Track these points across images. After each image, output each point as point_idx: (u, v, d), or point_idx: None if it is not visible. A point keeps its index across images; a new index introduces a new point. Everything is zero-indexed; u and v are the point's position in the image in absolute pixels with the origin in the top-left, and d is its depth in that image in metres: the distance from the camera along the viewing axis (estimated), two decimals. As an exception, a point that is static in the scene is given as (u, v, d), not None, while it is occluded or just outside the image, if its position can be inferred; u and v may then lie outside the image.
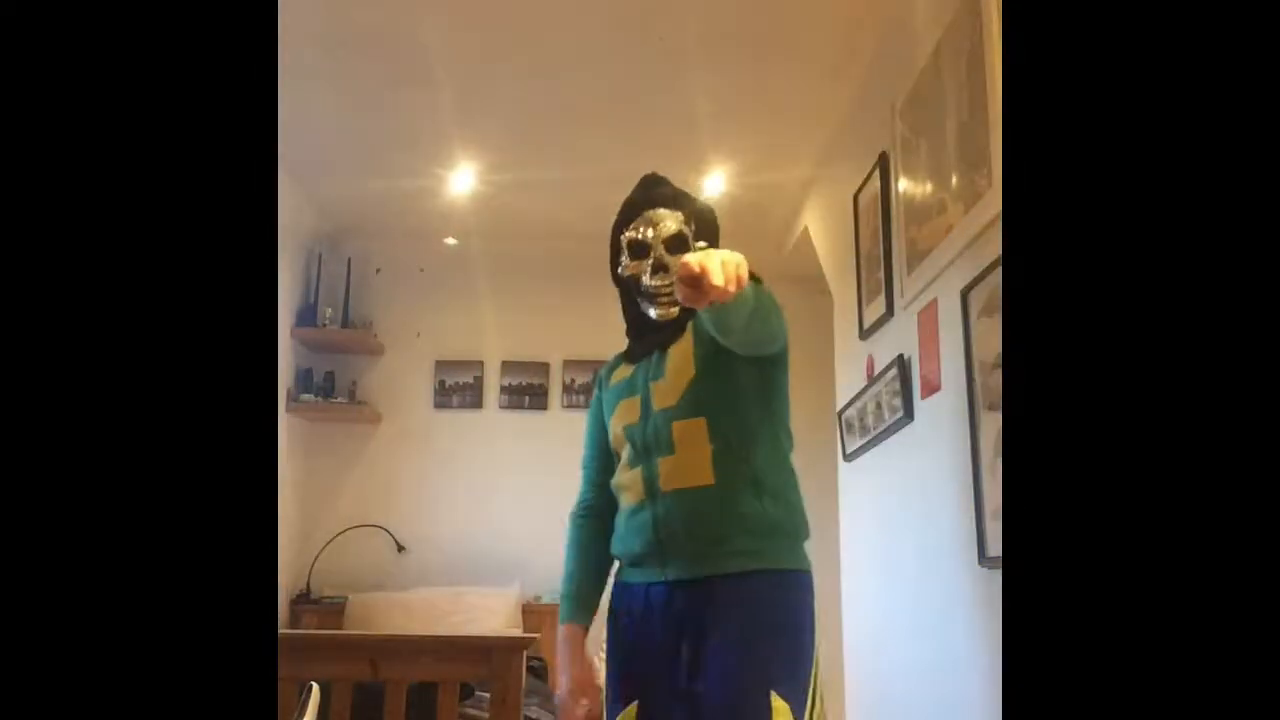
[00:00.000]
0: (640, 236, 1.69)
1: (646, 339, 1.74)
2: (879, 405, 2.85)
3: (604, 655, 1.69)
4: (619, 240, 1.74)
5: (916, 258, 2.56)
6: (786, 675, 1.48)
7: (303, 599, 4.34)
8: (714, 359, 1.62)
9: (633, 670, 1.59)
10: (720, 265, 1.25)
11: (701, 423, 1.60)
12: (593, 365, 4.59)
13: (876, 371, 2.93)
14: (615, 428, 1.70)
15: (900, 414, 2.66)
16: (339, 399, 4.53)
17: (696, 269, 1.23)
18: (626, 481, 1.66)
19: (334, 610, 4.20)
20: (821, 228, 3.84)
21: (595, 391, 1.85)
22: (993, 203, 2.04)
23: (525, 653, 2.31)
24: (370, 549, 4.52)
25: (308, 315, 4.49)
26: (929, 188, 2.49)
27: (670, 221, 1.69)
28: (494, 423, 4.60)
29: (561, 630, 1.70)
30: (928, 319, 2.49)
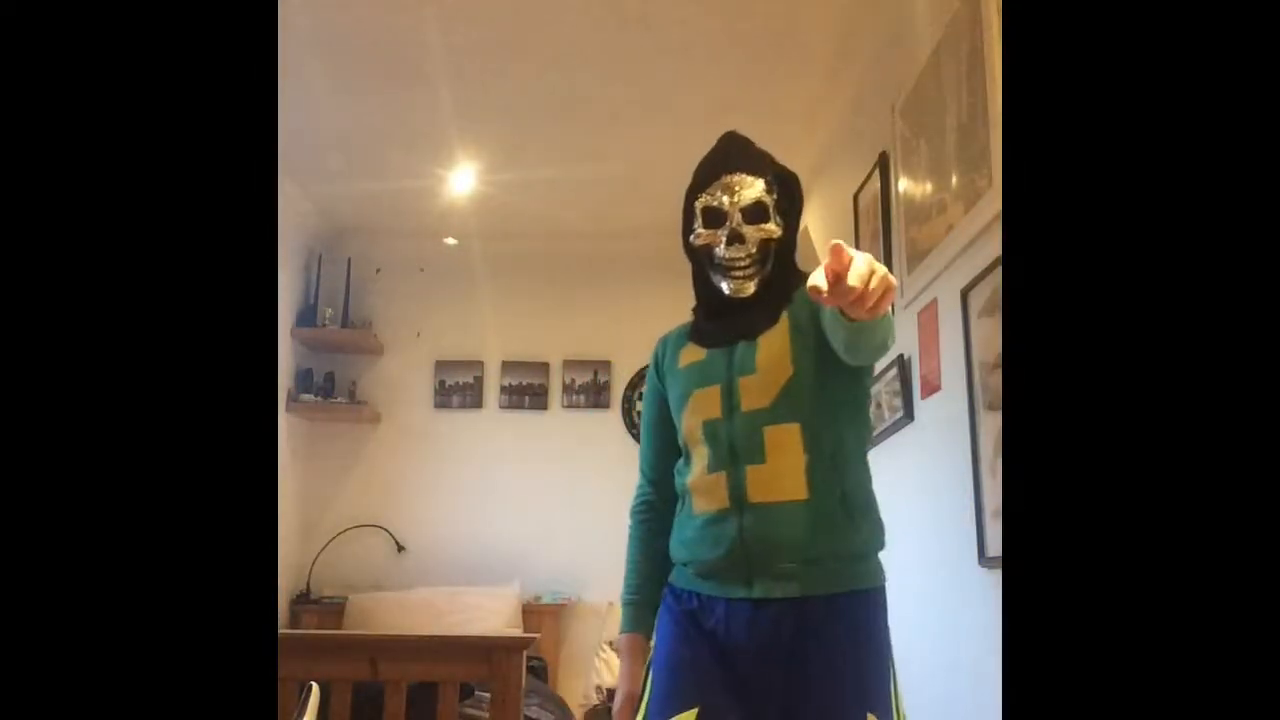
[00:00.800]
0: (716, 203, 1.54)
1: (726, 321, 1.56)
2: (879, 405, 2.85)
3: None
4: (693, 206, 1.58)
5: (916, 258, 2.56)
6: (880, 695, 1.42)
7: (303, 599, 4.34)
8: (812, 359, 1.49)
9: (699, 680, 1.44)
10: (876, 278, 1.10)
11: (796, 429, 1.46)
12: (593, 365, 4.60)
13: (877, 371, 2.93)
14: (689, 421, 1.54)
15: (900, 414, 2.66)
16: (339, 399, 4.53)
17: (854, 265, 1.08)
18: (705, 486, 1.50)
19: (334, 610, 4.21)
20: (821, 228, 3.84)
21: (651, 372, 1.67)
22: (993, 203, 2.04)
23: (525, 653, 2.31)
24: (370, 549, 4.52)
25: (308, 315, 4.49)
26: (929, 188, 2.49)
27: (750, 188, 1.54)
28: (494, 423, 4.60)
29: (624, 640, 1.59)
30: (928, 319, 2.49)
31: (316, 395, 4.48)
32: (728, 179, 1.55)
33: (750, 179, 1.54)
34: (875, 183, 2.97)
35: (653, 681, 1.50)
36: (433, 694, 2.28)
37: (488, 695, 2.35)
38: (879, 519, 1.55)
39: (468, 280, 4.68)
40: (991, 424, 2.07)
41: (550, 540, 4.36)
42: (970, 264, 2.20)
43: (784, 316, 1.53)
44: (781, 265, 1.56)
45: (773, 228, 1.53)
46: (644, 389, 1.71)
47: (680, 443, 1.59)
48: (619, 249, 4.47)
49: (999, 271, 2.03)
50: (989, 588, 2.06)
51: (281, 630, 3.62)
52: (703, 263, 1.58)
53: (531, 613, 4.25)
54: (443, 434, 4.60)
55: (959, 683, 2.25)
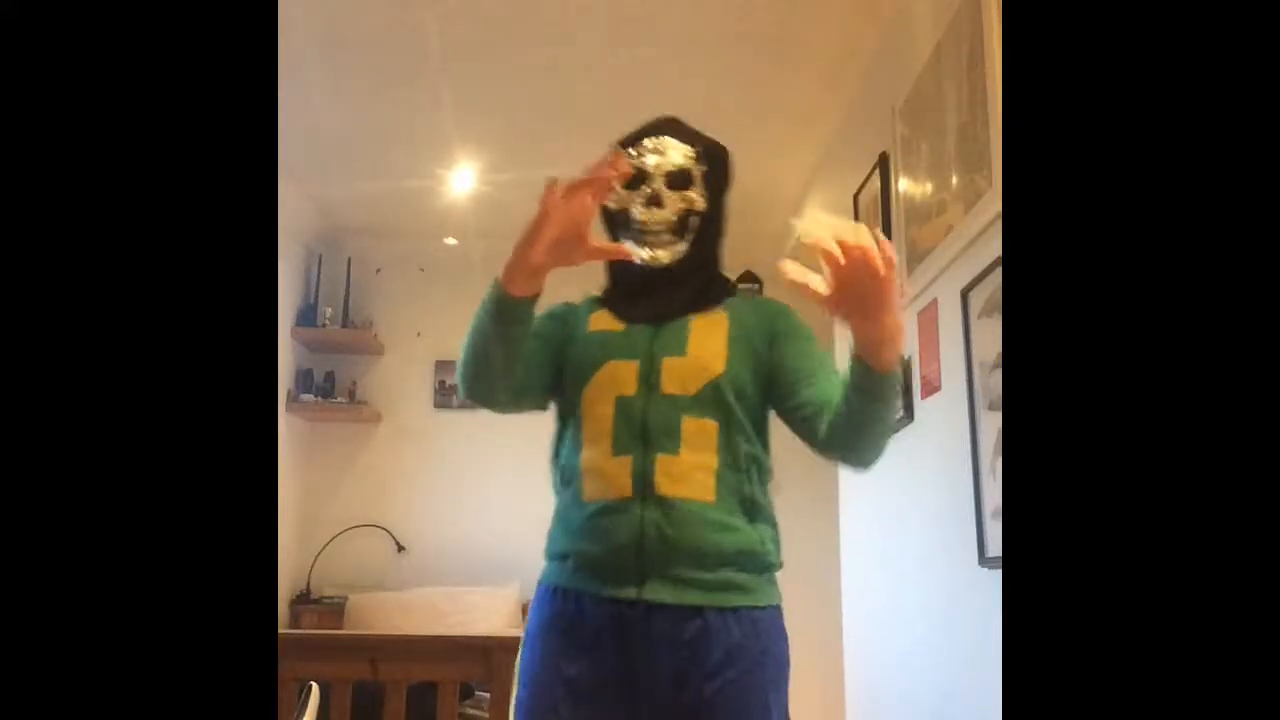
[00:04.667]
0: (639, 163, 1.44)
1: (646, 297, 1.45)
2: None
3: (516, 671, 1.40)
4: None
5: (916, 258, 2.56)
6: (779, 715, 1.33)
7: (303, 599, 4.34)
8: (746, 374, 1.40)
9: (572, 694, 1.31)
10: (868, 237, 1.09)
11: (713, 427, 1.36)
12: (593, 365, 4.58)
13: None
14: (594, 392, 1.39)
15: (900, 414, 2.66)
16: (339, 399, 4.53)
17: (875, 244, 1.08)
18: (606, 470, 1.35)
19: (334, 610, 4.21)
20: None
21: (555, 316, 1.50)
22: (993, 203, 2.04)
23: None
24: (370, 549, 4.52)
25: (308, 315, 4.50)
26: (929, 188, 2.49)
27: (676, 153, 1.45)
28: (494, 423, 4.58)
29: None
30: (928, 319, 2.49)
31: (316, 395, 4.48)
32: (654, 141, 1.47)
33: (676, 144, 1.46)
34: (875, 183, 2.97)
35: (520, 690, 1.36)
36: (433, 694, 2.28)
37: (488, 695, 2.35)
38: (778, 539, 1.42)
39: (468, 280, 4.67)
40: (991, 424, 2.07)
41: (550, 540, 4.35)
42: (970, 264, 2.20)
43: (723, 315, 1.45)
44: (704, 246, 1.47)
45: (695, 197, 1.45)
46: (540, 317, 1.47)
47: (566, 417, 1.44)
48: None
49: (999, 271, 2.03)
50: (989, 588, 2.06)
51: (281, 630, 3.62)
52: (617, 226, 1.47)
53: (531, 613, 4.25)
54: (443, 434, 4.60)
55: (959, 683, 2.25)
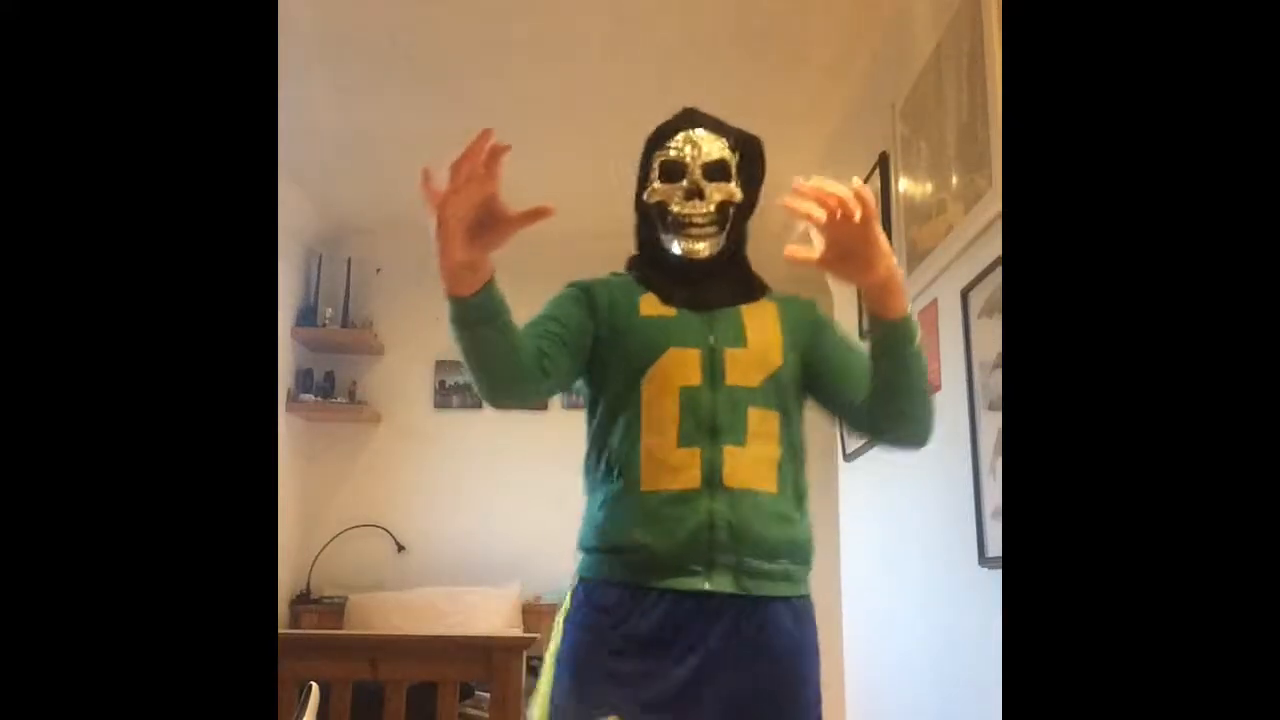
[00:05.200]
0: (678, 156, 1.45)
1: (691, 285, 1.44)
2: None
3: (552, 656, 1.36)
4: (650, 160, 1.49)
5: (916, 258, 2.56)
6: (818, 705, 1.38)
7: (303, 599, 4.34)
8: (795, 352, 1.44)
9: (633, 690, 1.28)
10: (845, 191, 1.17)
11: (775, 418, 1.38)
12: (593, 365, 4.59)
13: (876, 371, 2.93)
14: (656, 382, 1.36)
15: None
16: (339, 399, 4.53)
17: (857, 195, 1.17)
18: (672, 461, 1.33)
19: (334, 610, 4.20)
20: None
21: (578, 301, 1.46)
22: (993, 203, 2.04)
23: (525, 653, 2.31)
24: (370, 549, 4.52)
25: (308, 315, 4.49)
26: (929, 188, 2.49)
27: (714, 145, 1.46)
28: (494, 423, 4.60)
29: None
30: (928, 319, 2.49)
31: (316, 395, 4.48)
32: (691, 133, 1.47)
33: (712, 136, 1.47)
34: (875, 183, 2.97)
35: (563, 686, 1.32)
36: (433, 694, 2.28)
37: (488, 695, 2.35)
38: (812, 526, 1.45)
39: (468, 280, 4.68)
40: (991, 424, 2.07)
41: (550, 540, 4.34)
42: (970, 264, 2.20)
43: (772, 306, 1.47)
44: (740, 236, 1.49)
45: (734, 189, 1.46)
46: (553, 301, 1.47)
47: (616, 402, 1.39)
48: (619, 249, 4.46)
49: (999, 271, 2.03)
50: (989, 588, 2.06)
51: (281, 630, 3.62)
52: (655, 221, 1.47)
53: (531, 613, 4.25)
54: (443, 434, 4.60)
55: (959, 683, 2.25)
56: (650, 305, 1.44)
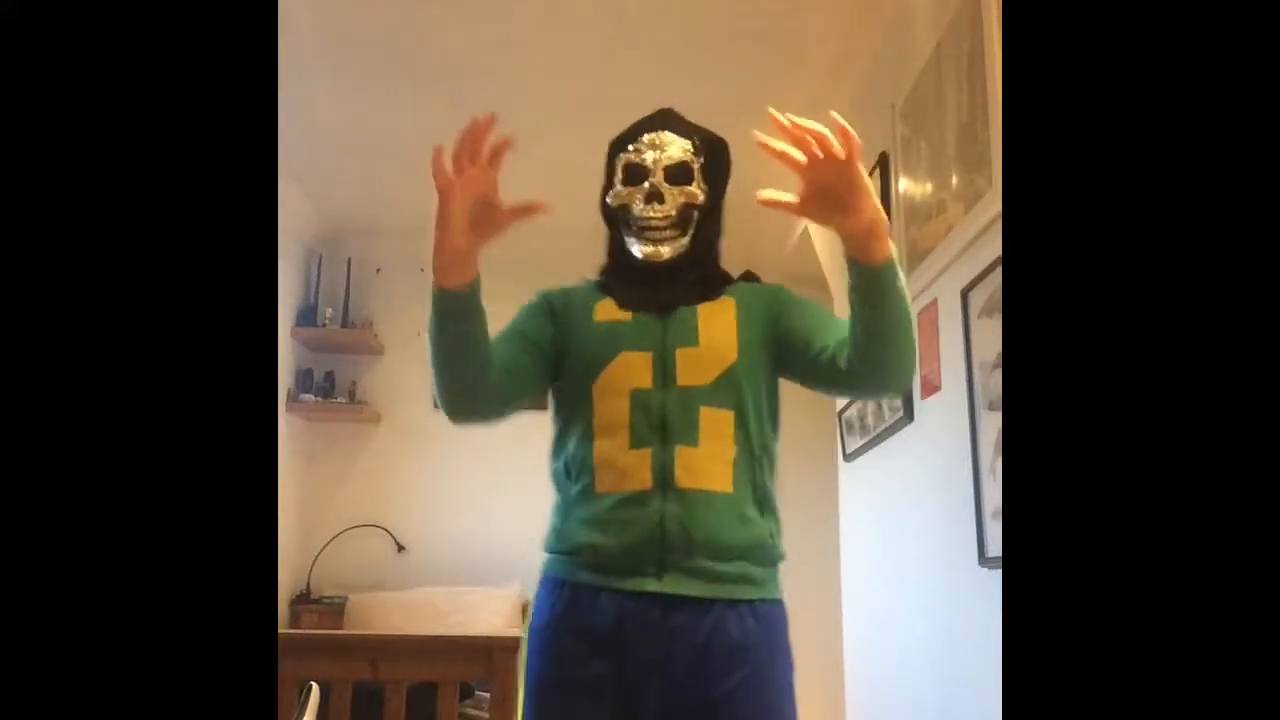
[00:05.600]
0: (638, 159, 1.44)
1: (650, 288, 1.44)
2: (879, 405, 2.85)
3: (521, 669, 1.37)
4: (614, 164, 1.48)
5: (916, 258, 2.56)
6: (789, 713, 1.33)
7: (303, 599, 4.34)
8: (757, 353, 1.41)
9: (589, 690, 1.30)
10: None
11: (730, 417, 1.36)
12: (593, 365, 4.58)
13: (876, 371, 2.93)
14: (607, 384, 1.37)
15: (900, 414, 2.66)
16: (339, 399, 4.53)
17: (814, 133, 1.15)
18: (622, 463, 1.34)
19: (334, 610, 4.20)
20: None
21: (537, 304, 1.48)
22: (993, 203, 2.04)
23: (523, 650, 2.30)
24: (370, 549, 4.52)
25: (308, 315, 4.49)
26: (929, 188, 2.49)
27: (675, 148, 1.45)
28: (494, 422, 4.60)
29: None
30: (928, 319, 2.49)
31: (316, 395, 4.48)
32: (652, 136, 1.46)
33: (675, 138, 1.46)
34: (875, 183, 2.96)
35: (529, 687, 1.35)
36: (433, 694, 2.28)
37: (488, 695, 2.35)
38: (780, 530, 1.42)
39: (467, 280, 4.68)
40: (991, 424, 2.07)
41: (550, 540, 4.35)
42: (970, 264, 2.20)
43: (730, 301, 1.45)
44: (706, 237, 1.48)
45: (695, 191, 1.44)
46: (521, 313, 1.48)
47: (572, 408, 1.41)
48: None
49: (999, 271, 2.03)
50: (989, 588, 2.06)
51: (281, 630, 3.62)
52: (618, 224, 1.47)
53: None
54: (443, 434, 4.59)
55: (959, 683, 2.25)
56: (605, 311, 1.44)
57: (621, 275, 1.48)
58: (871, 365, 1.33)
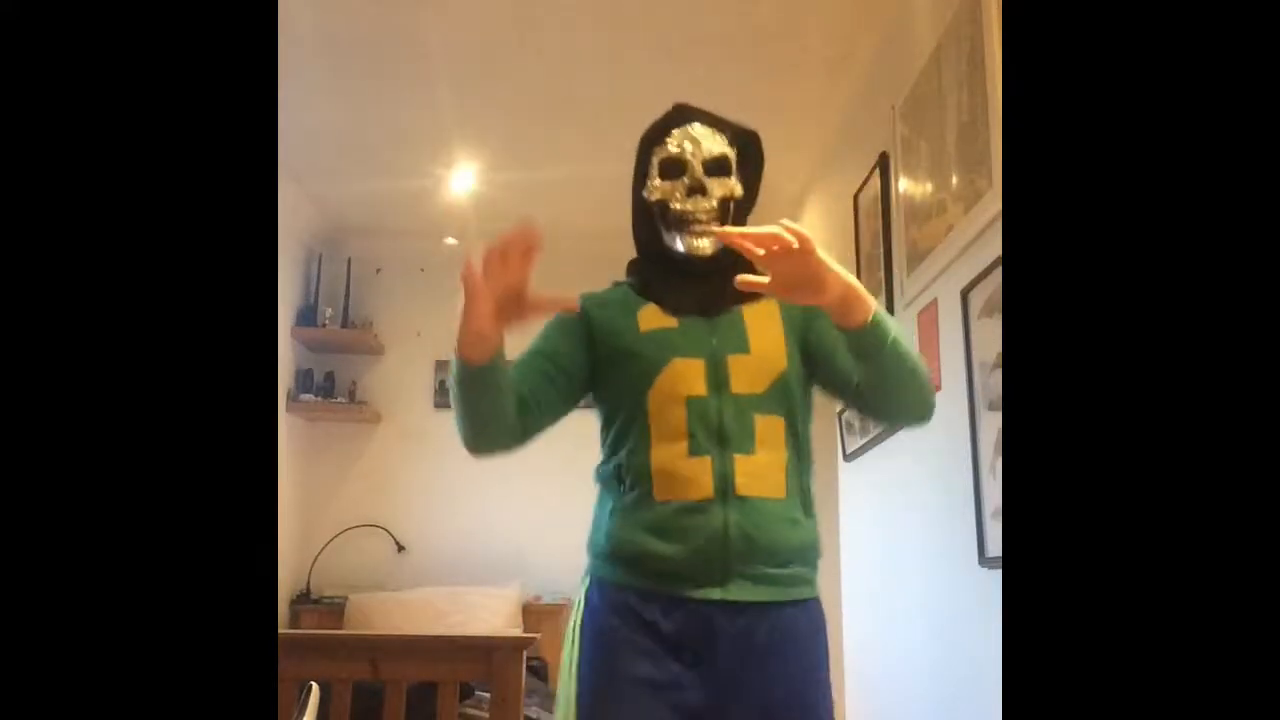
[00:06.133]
0: (678, 152, 1.44)
1: (691, 288, 1.43)
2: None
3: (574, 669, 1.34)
4: (648, 158, 1.48)
5: (916, 258, 2.56)
6: (830, 709, 1.38)
7: (303, 599, 4.34)
8: (797, 353, 1.42)
9: (657, 694, 1.29)
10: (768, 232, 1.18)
11: (782, 423, 1.38)
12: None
13: (876, 371, 2.93)
14: (662, 393, 1.36)
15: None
16: (339, 399, 4.53)
17: (792, 235, 1.17)
18: (682, 471, 1.34)
19: (334, 610, 4.21)
20: (821, 228, 3.84)
21: (574, 332, 1.45)
22: (993, 203, 2.04)
23: (525, 653, 2.31)
24: (370, 549, 4.52)
25: (308, 315, 4.50)
26: (929, 188, 2.49)
27: (712, 141, 1.45)
28: (494, 423, 4.59)
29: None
30: (928, 319, 2.49)
31: (316, 395, 4.48)
32: (689, 128, 1.46)
33: (710, 132, 1.46)
34: (875, 183, 2.97)
35: (586, 691, 1.32)
36: (433, 694, 2.28)
37: (488, 695, 2.35)
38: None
39: (467, 280, 4.67)
40: (991, 424, 2.07)
41: (550, 540, 4.35)
42: (970, 264, 2.20)
43: (773, 304, 1.44)
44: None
45: (734, 184, 1.45)
46: (547, 331, 1.46)
47: (627, 416, 1.40)
48: (619, 249, 4.46)
49: (999, 271, 2.03)
50: (989, 588, 2.06)
51: (281, 630, 3.62)
52: (656, 219, 1.46)
53: (531, 613, 4.25)
54: (443, 434, 4.57)
55: (959, 683, 2.25)
56: (650, 318, 1.43)
57: (661, 275, 1.47)
58: (880, 409, 1.42)
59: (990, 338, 2.09)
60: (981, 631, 2.09)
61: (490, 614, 4.12)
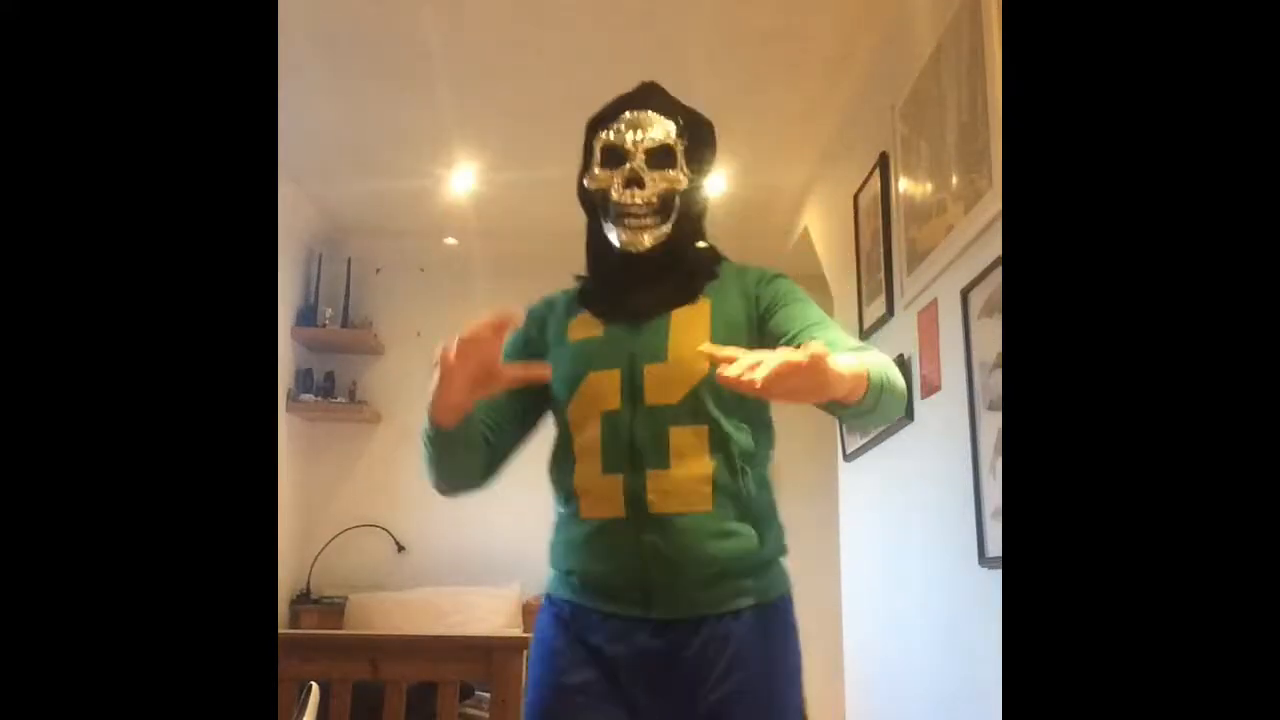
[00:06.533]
0: (617, 140, 1.37)
1: (627, 290, 1.38)
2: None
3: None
4: (592, 144, 1.41)
5: (916, 258, 2.56)
6: (793, 710, 1.32)
7: (303, 599, 4.34)
8: (738, 343, 1.28)
9: (588, 704, 1.28)
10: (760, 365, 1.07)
11: (704, 432, 1.30)
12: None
13: (876, 371, 2.93)
14: (579, 408, 1.33)
15: (900, 414, 2.66)
16: (339, 399, 4.53)
17: (812, 358, 1.07)
18: (597, 489, 1.31)
19: (334, 610, 4.20)
20: (821, 228, 3.84)
21: (520, 334, 1.43)
22: (993, 203, 2.04)
23: (525, 653, 2.31)
24: (370, 549, 4.52)
25: (308, 315, 4.50)
26: (929, 188, 2.49)
27: (657, 129, 1.37)
28: (494, 423, 4.59)
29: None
30: (928, 319, 2.49)
31: (316, 395, 4.48)
32: (634, 115, 1.39)
33: (658, 118, 1.38)
34: (875, 183, 2.97)
35: (531, 695, 1.33)
36: (433, 694, 2.28)
37: (488, 695, 2.35)
38: (780, 525, 1.38)
39: (468, 280, 4.68)
40: (991, 424, 2.07)
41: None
42: (970, 264, 2.20)
43: (706, 304, 1.36)
44: (687, 226, 1.40)
45: (678, 176, 1.37)
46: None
47: (559, 430, 1.39)
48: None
49: (999, 271, 2.03)
50: (989, 588, 2.06)
51: (281, 630, 3.62)
52: (597, 210, 1.40)
53: (531, 613, 4.25)
54: (443, 434, 4.60)
55: (959, 683, 2.25)
56: (580, 327, 1.39)
57: (600, 274, 1.43)
58: (856, 427, 1.40)
59: (990, 338, 2.09)
60: (981, 631, 2.09)
61: (490, 614, 4.12)
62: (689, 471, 1.29)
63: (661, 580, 1.28)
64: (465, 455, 1.36)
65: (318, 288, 4.57)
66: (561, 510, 1.40)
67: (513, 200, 4.20)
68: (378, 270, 4.73)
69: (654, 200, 1.36)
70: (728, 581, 1.30)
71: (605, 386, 1.32)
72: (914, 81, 2.60)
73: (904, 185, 2.71)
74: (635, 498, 1.29)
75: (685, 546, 1.28)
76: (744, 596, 1.31)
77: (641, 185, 1.35)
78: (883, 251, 2.86)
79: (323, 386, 4.53)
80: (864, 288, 3.10)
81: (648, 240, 1.36)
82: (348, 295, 4.58)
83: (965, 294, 2.22)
